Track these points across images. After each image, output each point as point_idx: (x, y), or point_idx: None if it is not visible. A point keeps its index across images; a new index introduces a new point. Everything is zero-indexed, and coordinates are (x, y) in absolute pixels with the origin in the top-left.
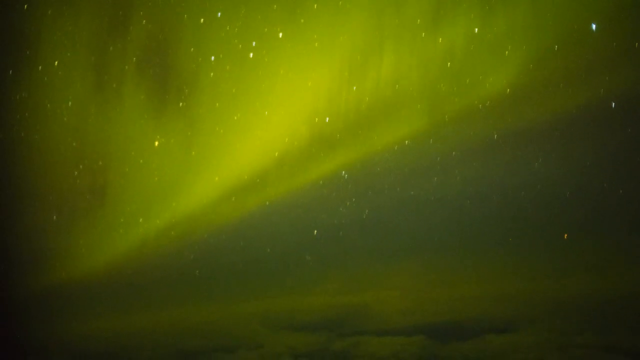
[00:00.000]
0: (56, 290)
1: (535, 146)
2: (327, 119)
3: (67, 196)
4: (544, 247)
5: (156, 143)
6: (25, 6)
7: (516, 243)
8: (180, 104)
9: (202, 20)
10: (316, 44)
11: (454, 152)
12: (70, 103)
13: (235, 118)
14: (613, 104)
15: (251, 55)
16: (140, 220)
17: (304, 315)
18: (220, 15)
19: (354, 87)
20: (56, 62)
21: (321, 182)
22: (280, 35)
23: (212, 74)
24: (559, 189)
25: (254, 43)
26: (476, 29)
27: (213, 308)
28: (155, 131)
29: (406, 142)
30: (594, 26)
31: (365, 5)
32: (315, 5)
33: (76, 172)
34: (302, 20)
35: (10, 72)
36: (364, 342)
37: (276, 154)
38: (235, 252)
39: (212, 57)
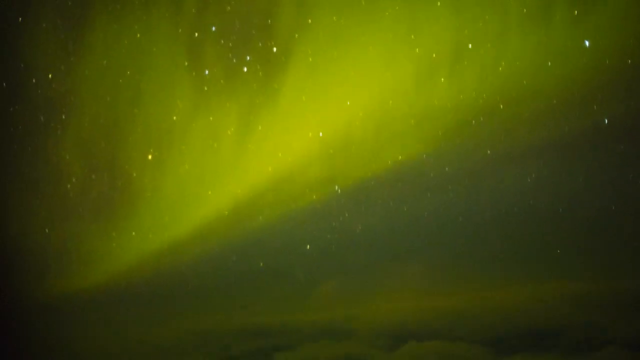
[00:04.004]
0: (48, 305)
1: (528, 162)
2: (321, 133)
3: (59, 209)
4: (536, 263)
5: (149, 157)
6: (20, 19)
7: (508, 258)
8: (174, 117)
9: (196, 34)
10: (310, 58)
11: (447, 168)
12: (63, 116)
13: (229, 132)
14: (606, 120)
15: (245, 69)
16: (133, 234)
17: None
18: (215, 29)
19: (348, 102)
20: (50, 75)
21: (314, 196)
22: (275, 49)
23: (205, 87)
24: (551, 205)
25: (248, 57)
26: (470, 45)
27: (205, 320)
28: (149, 145)
29: (399, 157)
30: (587, 43)
31: (359, 20)
32: (310, 20)
33: (69, 185)
34: (296, 35)
35: (4, 84)
36: None
37: (270, 168)
38: (227, 266)
39: (206, 71)
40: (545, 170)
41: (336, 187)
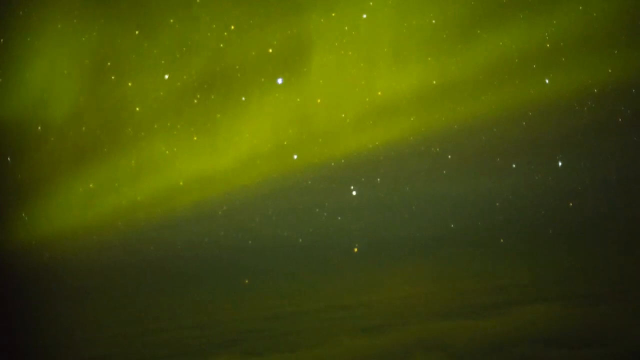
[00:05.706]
0: None
1: (510, 153)
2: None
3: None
4: (519, 249)
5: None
6: None
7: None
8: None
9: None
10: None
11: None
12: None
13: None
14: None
15: (221, 45)
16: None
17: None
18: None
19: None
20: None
21: (310, 182)
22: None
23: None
24: (535, 192)
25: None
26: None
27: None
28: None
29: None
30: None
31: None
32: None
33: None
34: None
35: None
36: None
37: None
38: (218, 242)
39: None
40: (529, 161)
41: (330, 173)
